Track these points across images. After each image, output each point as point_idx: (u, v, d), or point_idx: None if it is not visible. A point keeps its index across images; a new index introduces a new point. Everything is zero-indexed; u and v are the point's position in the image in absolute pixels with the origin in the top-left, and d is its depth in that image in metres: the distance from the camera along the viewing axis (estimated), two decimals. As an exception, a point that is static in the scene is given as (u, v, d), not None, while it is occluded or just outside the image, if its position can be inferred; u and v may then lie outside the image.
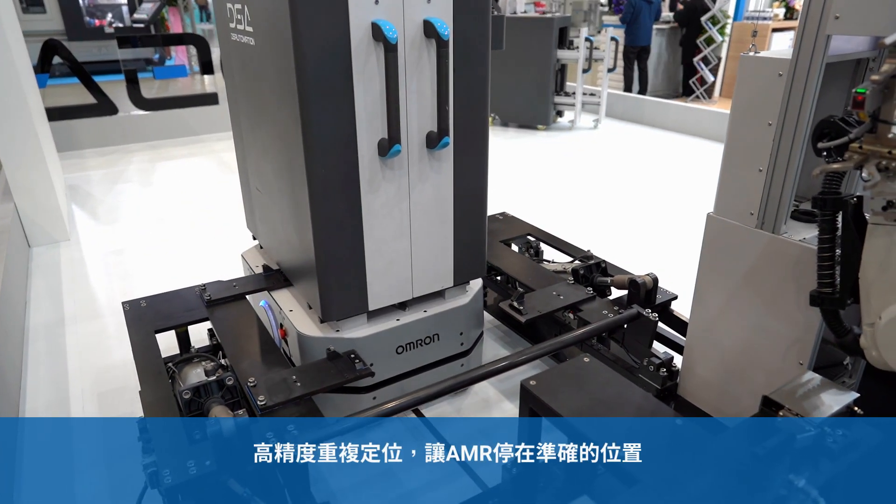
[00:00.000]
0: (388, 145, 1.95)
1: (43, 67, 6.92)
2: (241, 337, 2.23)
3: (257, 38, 2.05)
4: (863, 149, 1.28)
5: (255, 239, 2.82)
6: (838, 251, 1.48)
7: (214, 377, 1.88)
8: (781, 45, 8.94)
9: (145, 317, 2.32)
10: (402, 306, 2.32)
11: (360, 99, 1.88)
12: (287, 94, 1.88)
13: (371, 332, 2.18)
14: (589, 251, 2.85)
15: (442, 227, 2.24)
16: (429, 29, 1.92)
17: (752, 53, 1.71)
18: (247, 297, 2.48)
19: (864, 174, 1.30)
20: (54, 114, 6.20)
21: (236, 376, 1.94)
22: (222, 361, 2.08)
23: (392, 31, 1.81)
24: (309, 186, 1.91)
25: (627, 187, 5.51)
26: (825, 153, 1.35)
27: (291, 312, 2.29)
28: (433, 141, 2.06)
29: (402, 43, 1.89)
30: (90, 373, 2.80)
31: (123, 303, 2.39)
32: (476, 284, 2.51)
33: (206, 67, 7.94)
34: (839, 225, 1.44)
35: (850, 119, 1.30)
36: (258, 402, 1.80)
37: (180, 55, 11.93)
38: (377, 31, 1.82)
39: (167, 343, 2.27)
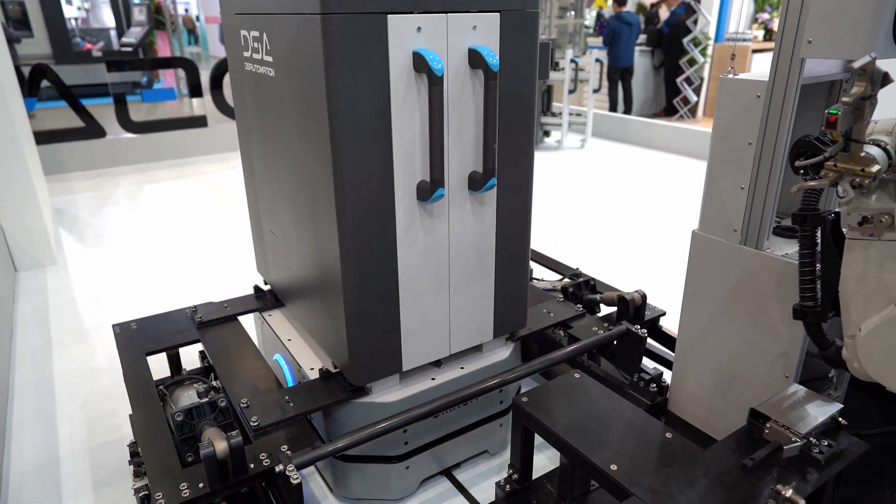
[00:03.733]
0: (431, 188, 1.75)
1: (31, 91, 6.92)
2: (233, 358, 2.20)
3: (278, 68, 1.86)
4: (837, 167, 1.32)
5: (266, 284, 2.65)
6: (819, 265, 1.52)
7: (206, 399, 1.88)
8: (762, 65, 9.14)
9: (136, 339, 2.30)
10: (437, 363, 2.14)
11: (398, 137, 1.70)
12: (314, 131, 1.69)
13: (404, 396, 1.99)
14: (578, 269, 2.88)
15: (483, 277, 2.05)
16: (475, 59, 1.74)
17: (730, 76, 1.77)
18: (238, 318, 2.46)
19: (839, 191, 1.34)
20: (42, 137, 6.20)
21: (228, 398, 1.93)
22: (214, 383, 2.08)
23: (437, 61, 1.63)
24: (339, 236, 1.71)
25: (615, 205, 5.58)
26: (802, 171, 1.40)
27: (313, 371, 2.09)
28: (478, 183, 1.86)
29: (444, 74, 1.71)
30: (78, 397, 2.77)
31: (114, 325, 2.37)
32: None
33: (195, 90, 7.98)
34: (819, 240, 1.48)
35: (824, 138, 1.35)
36: (251, 423, 1.77)
37: (168, 78, 11.98)
38: (420, 62, 1.64)
39: (158, 366, 2.27)
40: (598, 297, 2.64)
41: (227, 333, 2.36)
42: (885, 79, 1.27)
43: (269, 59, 1.91)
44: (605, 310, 2.66)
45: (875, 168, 1.27)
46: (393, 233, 1.79)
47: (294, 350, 2.24)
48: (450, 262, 1.95)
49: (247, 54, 2.09)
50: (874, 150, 1.29)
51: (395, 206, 1.76)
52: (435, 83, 1.64)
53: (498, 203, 1.98)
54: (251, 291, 2.64)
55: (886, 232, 1.33)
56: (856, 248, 1.39)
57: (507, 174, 1.95)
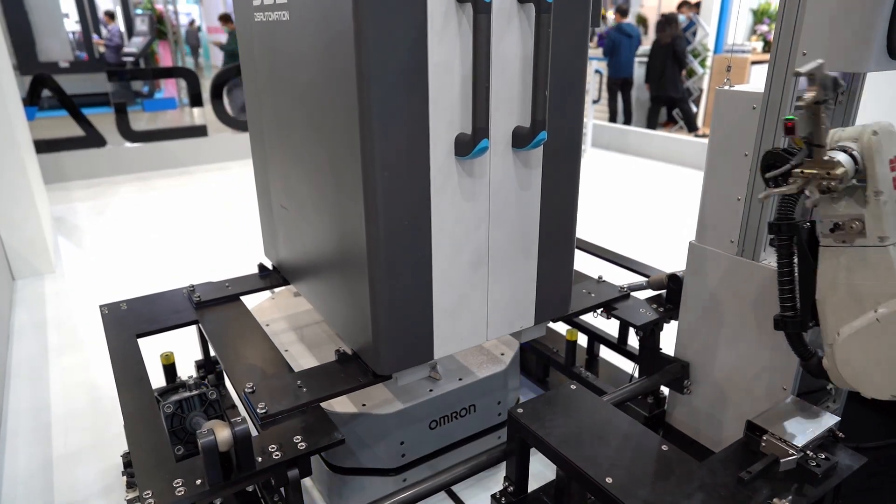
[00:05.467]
0: (473, 141, 1.51)
1: (32, 100, 6.96)
2: (236, 339, 2.01)
3: (294, 10, 1.67)
4: (804, 173, 1.33)
5: (275, 270, 2.48)
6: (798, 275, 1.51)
7: (196, 391, 1.83)
8: (761, 76, 9.19)
9: (126, 320, 2.13)
10: (435, 373, 2.06)
11: (435, 79, 1.47)
12: (337, 75, 1.50)
13: (402, 407, 1.91)
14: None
15: (526, 252, 1.83)
16: None
17: (727, 87, 1.78)
18: (240, 298, 2.30)
19: (806, 194, 1.35)
20: (42, 146, 6.22)
21: (219, 391, 1.86)
22: (205, 382, 2.06)
23: None
24: (365, 195, 1.51)
25: (614, 215, 5.58)
26: (773, 183, 1.40)
27: None
28: (524, 138, 1.63)
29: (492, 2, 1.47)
30: (74, 408, 2.76)
31: (101, 306, 2.22)
32: (514, 346, 2.26)
33: (196, 100, 8.02)
34: (796, 249, 1.47)
35: (791, 149, 1.36)
36: (258, 411, 1.57)
37: (169, 88, 12.04)
38: None
39: (154, 376, 2.25)
40: (643, 281, 2.43)
41: (229, 314, 2.18)
42: (835, 84, 1.29)
43: (284, 0, 1.73)
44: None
45: (840, 171, 1.27)
46: (427, 194, 1.56)
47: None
48: (489, 231, 1.73)
49: (257, 2, 1.90)
50: (840, 156, 1.29)
51: (429, 161, 1.54)
52: (481, 11, 1.42)
53: (544, 165, 1.75)
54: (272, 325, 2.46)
55: (858, 238, 1.32)
56: (828, 255, 1.39)
57: (555, 131, 1.70)
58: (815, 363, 1.52)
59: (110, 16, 12.08)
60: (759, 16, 10.96)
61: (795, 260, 1.47)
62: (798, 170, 1.33)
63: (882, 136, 1.28)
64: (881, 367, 1.35)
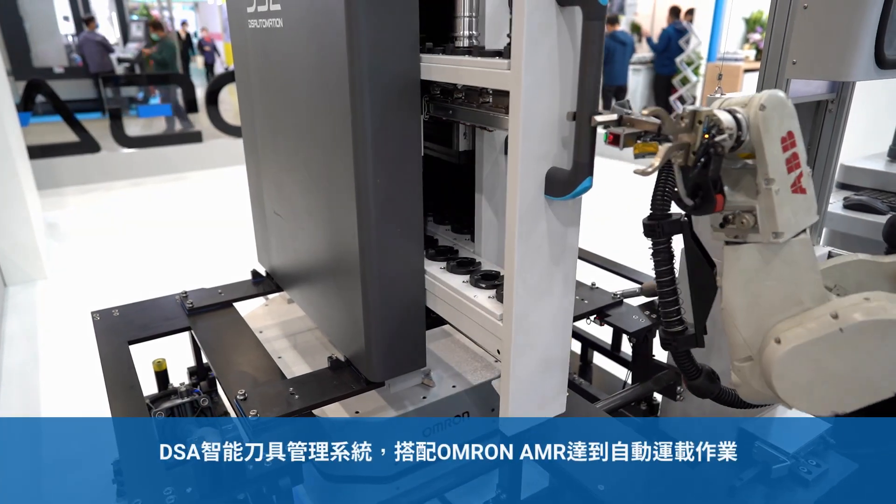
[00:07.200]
0: (576, 179, 1.33)
1: (26, 105, 6.95)
2: (229, 347, 2.03)
3: (288, 17, 1.68)
4: (674, 140, 1.08)
5: (268, 276, 2.49)
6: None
7: (188, 398, 1.83)
8: (754, 84, 9.25)
9: (117, 327, 2.14)
10: (429, 379, 2.06)
11: (528, 103, 1.29)
12: (330, 83, 1.50)
13: (395, 415, 1.92)
14: None
15: None
16: None
17: (718, 95, 1.79)
18: (233, 304, 2.28)
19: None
20: (36, 151, 6.21)
21: (211, 397, 1.86)
22: (198, 389, 2.05)
23: None
24: (358, 206, 1.51)
25: (607, 221, 5.60)
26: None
27: None
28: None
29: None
30: (64, 414, 2.74)
31: (93, 312, 2.22)
32: None
33: (191, 106, 8.03)
34: (673, 252, 1.22)
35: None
36: (250, 418, 1.62)
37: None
38: None
39: (145, 384, 2.24)
40: (636, 288, 2.36)
41: (222, 320, 2.18)
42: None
43: (277, 7, 1.74)
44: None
45: (726, 120, 0.99)
46: (419, 201, 1.59)
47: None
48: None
49: (251, 10, 1.92)
50: (723, 115, 1.00)
51: (420, 166, 1.57)
52: (594, 17, 1.19)
53: None
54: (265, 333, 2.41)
55: (750, 234, 1.08)
56: (727, 254, 1.13)
57: None
58: (702, 381, 1.26)
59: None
60: (752, 24, 11.06)
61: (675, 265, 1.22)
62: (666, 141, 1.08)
63: (771, 111, 0.99)
64: (828, 381, 1.09)
